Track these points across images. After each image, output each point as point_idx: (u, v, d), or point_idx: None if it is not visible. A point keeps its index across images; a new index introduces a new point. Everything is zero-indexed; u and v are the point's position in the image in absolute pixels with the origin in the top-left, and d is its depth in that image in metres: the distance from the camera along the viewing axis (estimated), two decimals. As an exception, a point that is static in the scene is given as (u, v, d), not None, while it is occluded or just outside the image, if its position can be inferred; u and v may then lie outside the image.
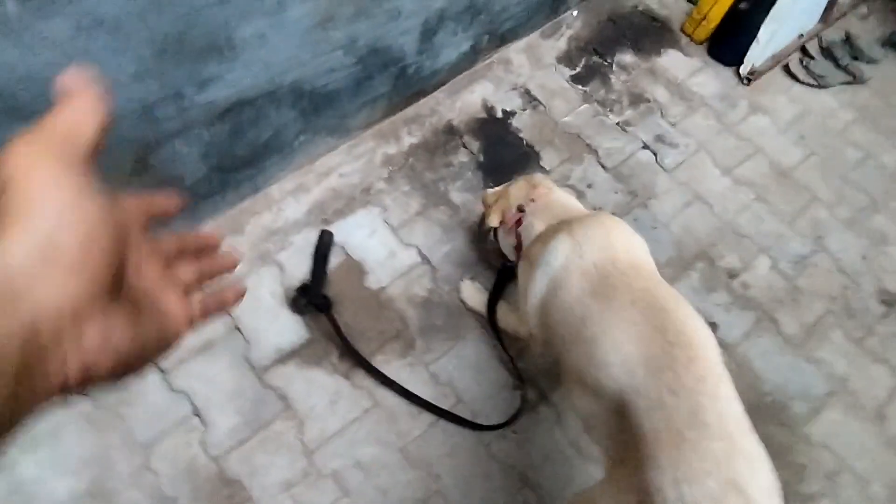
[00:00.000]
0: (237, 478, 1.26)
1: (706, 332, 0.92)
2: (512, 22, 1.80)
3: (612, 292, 0.95)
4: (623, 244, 1.05)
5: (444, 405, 1.35)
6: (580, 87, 1.88)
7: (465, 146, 1.73)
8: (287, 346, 1.39)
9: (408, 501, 1.27)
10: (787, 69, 2.01)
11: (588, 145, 1.78)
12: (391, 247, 1.54)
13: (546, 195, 1.26)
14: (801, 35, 2.03)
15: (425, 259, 1.54)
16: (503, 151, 1.73)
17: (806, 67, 2.00)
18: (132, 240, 0.30)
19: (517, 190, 1.30)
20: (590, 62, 1.94)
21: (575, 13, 2.01)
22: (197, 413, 1.31)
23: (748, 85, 1.95)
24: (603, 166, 1.75)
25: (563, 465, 1.33)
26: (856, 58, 2.04)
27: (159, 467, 1.25)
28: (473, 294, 1.47)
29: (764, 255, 1.66)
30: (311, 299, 1.39)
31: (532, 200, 1.24)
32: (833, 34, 2.10)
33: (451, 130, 1.74)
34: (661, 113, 1.87)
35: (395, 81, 1.60)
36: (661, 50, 2.00)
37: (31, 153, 0.26)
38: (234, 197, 1.51)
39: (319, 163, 1.63)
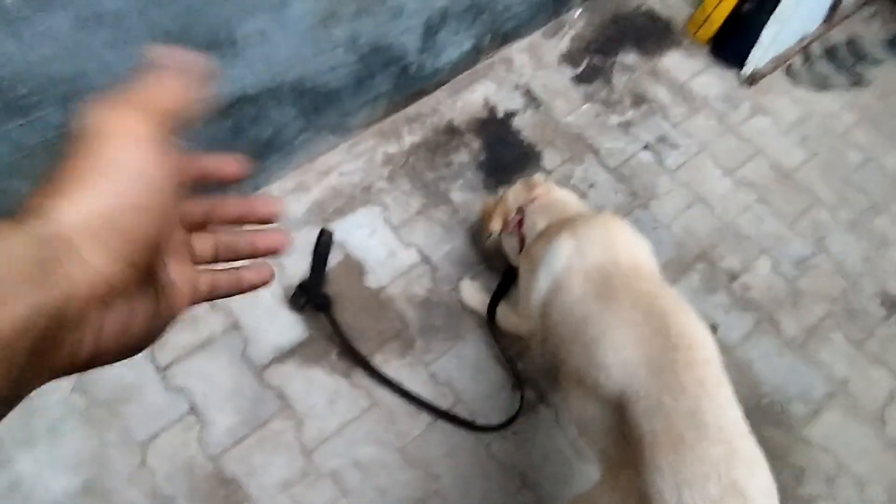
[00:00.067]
0: (235, 477, 1.25)
1: (706, 335, 0.92)
2: (514, 21, 1.79)
3: (613, 294, 0.95)
4: (625, 245, 1.04)
5: (444, 405, 1.35)
6: (582, 87, 1.88)
7: (466, 146, 1.72)
8: (286, 345, 1.38)
9: (406, 501, 1.27)
10: (789, 71, 2.00)
11: (589, 145, 1.78)
12: (391, 246, 1.54)
13: (546, 195, 1.25)
14: (804, 37, 2.03)
15: (425, 259, 1.53)
16: (504, 151, 1.73)
17: (808, 69, 2.00)
18: (176, 217, 0.29)
19: (516, 192, 1.30)
20: (592, 62, 1.93)
21: (577, 13, 2.00)
22: (195, 411, 1.30)
23: (750, 86, 1.95)
24: (604, 167, 1.75)
25: (562, 465, 1.33)
26: (859, 60, 2.04)
27: (156, 465, 1.24)
28: (473, 294, 1.47)
29: (765, 257, 1.66)
30: (310, 298, 1.39)
31: (532, 200, 1.24)
32: (837, 36, 2.09)
33: (452, 130, 1.74)
34: (663, 114, 1.86)
35: (396, 80, 1.60)
36: (664, 51, 1.99)
37: (115, 117, 0.25)
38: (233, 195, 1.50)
39: (320, 161, 1.62)
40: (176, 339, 1.36)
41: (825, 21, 2.05)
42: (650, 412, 0.81)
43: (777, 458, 1.39)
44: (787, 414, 1.44)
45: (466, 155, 1.71)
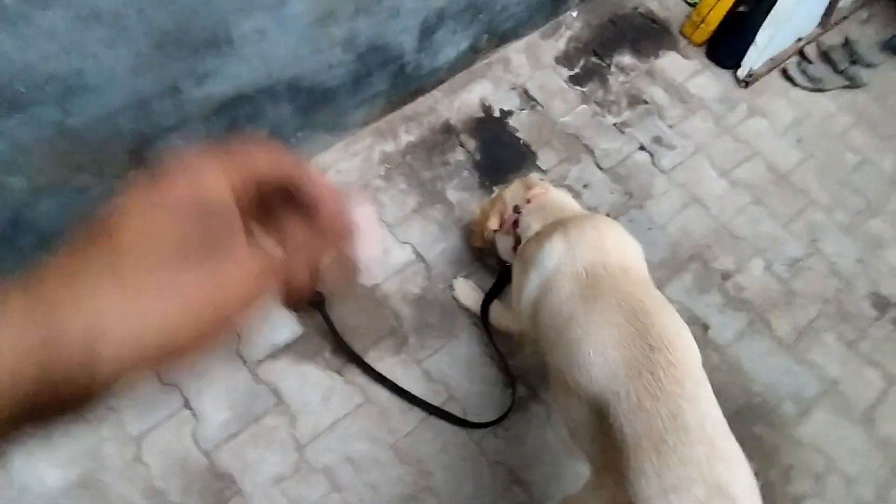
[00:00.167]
0: (228, 471, 1.26)
1: (688, 337, 0.92)
2: (512, 22, 1.80)
3: (598, 295, 0.95)
4: (615, 247, 1.04)
5: (436, 402, 1.36)
6: (579, 87, 1.89)
7: (462, 145, 1.73)
8: (280, 342, 1.40)
9: (398, 497, 1.28)
10: (785, 73, 2.01)
11: (585, 146, 1.79)
12: (386, 244, 1.55)
13: (542, 195, 1.26)
14: (800, 39, 2.04)
15: (420, 257, 1.54)
16: (500, 151, 1.74)
17: (804, 71, 2.01)
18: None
19: (513, 192, 1.30)
20: (589, 63, 1.94)
21: (575, 14, 2.01)
22: (189, 406, 1.31)
23: (746, 88, 1.95)
24: (600, 167, 1.76)
25: (552, 462, 1.34)
26: (854, 62, 2.04)
27: (150, 460, 1.25)
28: (467, 292, 1.48)
29: (758, 258, 1.67)
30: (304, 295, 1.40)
31: (528, 201, 1.25)
32: (832, 38, 2.10)
33: (448, 129, 1.75)
34: (659, 115, 1.87)
35: (393, 79, 1.61)
36: (660, 52, 2.00)
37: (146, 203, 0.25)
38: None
39: (316, 160, 1.63)
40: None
41: (821, 23, 2.06)
42: (631, 414, 0.82)
43: (767, 456, 1.40)
44: (778, 413, 1.45)
45: (463, 154, 1.72)
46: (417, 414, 1.35)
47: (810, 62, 2.02)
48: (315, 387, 1.36)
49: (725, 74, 1.98)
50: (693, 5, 2.02)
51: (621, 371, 0.86)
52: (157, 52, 1.06)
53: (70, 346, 0.21)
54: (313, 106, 1.47)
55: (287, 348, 1.39)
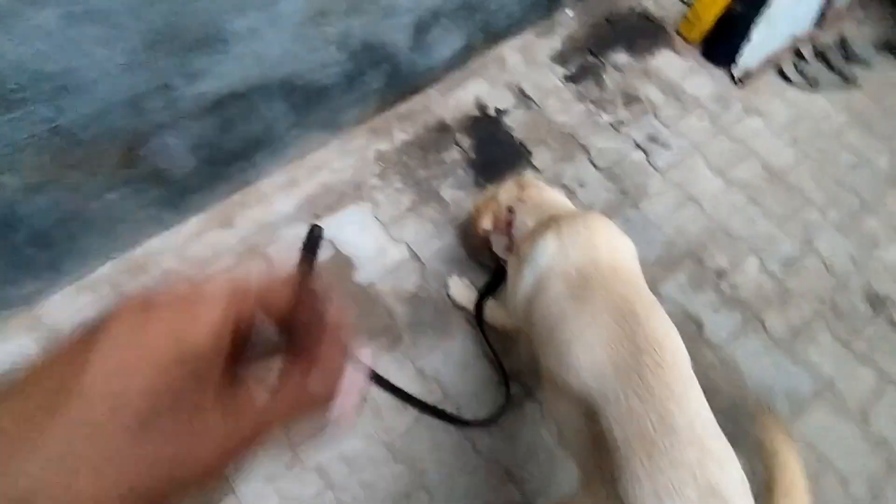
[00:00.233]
0: (222, 469, 1.26)
1: (676, 338, 0.91)
2: (506, 20, 1.80)
3: (588, 294, 0.95)
4: (607, 247, 1.04)
5: (431, 400, 1.36)
6: (574, 86, 1.89)
7: (457, 144, 1.73)
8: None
9: (392, 496, 1.28)
10: (780, 71, 2.01)
11: (581, 145, 1.79)
12: (381, 242, 1.55)
13: (536, 195, 1.26)
14: (795, 38, 2.04)
15: (415, 255, 1.54)
16: (495, 149, 1.74)
17: (799, 70, 2.01)
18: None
19: (507, 191, 1.30)
20: (584, 62, 1.94)
21: (570, 12, 2.01)
22: (184, 404, 1.31)
23: (741, 86, 1.96)
24: (595, 166, 1.76)
25: (546, 461, 1.34)
26: (850, 61, 2.05)
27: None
28: (461, 291, 1.48)
29: (753, 257, 1.67)
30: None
31: (522, 200, 1.25)
32: (827, 37, 2.10)
33: (443, 128, 1.75)
34: (655, 114, 1.87)
35: (388, 78, 1.61)
36: (656, 51, 2.00)
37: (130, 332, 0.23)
38: (224, 190, 1.51)
39: (311, 158, 1.63)
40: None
41: (816, 22, 2.06)
42: (620, 415, 0.81)
43: (761, 455, 1.40)
44: (772, 411, 1.45)
45: (458, 153, 1.72)
46: (411, 412, 1.35)
47: (806, 61, 2.03)
48: (309, 385, 1.36)
49: (721, 73, 1.98)
50: (689, 4, 2.02)
51: (610, 372, 0.85)
52: (150, 50, 1.06)
53: None
54: (307, 104, 1.47)
55: (281, 346, 1.39)
